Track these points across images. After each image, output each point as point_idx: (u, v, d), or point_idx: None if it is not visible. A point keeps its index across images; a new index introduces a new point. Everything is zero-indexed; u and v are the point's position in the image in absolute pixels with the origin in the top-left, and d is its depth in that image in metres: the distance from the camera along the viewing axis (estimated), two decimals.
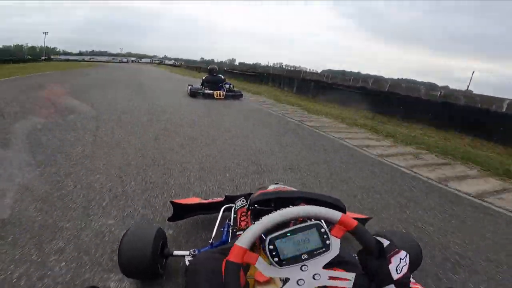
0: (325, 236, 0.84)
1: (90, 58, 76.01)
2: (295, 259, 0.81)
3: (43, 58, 50.04)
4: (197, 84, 9.74)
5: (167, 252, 1.42)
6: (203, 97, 8.72)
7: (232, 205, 1.65)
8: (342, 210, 1.16)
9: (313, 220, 0.86)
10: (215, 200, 1.92)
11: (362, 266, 0.91)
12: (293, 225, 0.85)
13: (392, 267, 0.86)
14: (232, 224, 1.52)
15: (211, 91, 8.91)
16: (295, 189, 1.59)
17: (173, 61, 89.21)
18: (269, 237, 0.81)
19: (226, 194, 1.89)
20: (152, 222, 1.84)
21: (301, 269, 0.82)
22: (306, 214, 0.83)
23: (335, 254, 0.84)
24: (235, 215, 1.53)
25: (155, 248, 1.28)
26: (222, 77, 9.77)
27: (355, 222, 0.84)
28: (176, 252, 1.44)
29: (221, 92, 8.93)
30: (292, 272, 0.81)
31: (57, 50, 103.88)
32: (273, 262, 0.79)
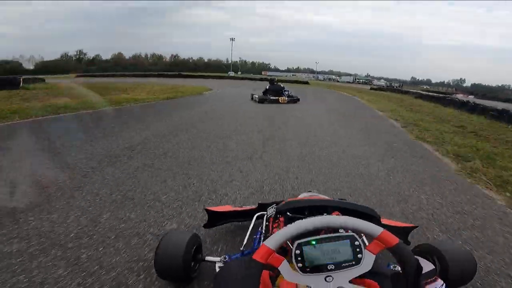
0: (358, 250, 0.80)
1: (292, 75, 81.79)
2: (319, 268, 0.78)
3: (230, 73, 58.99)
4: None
5: (200, 257, 1.44)
6: (268, 102, 10.22)
7: (265, 212, 1.60)
8: (377, 220, 1.20)
9: (349, 231, 0.84)
10: (248, 207, 1.89)
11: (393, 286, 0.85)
12: (325, 234, 0.84)
13: None
14: (264, 231, 1.48)
15: (276, 97, 10.50)
16: (328, 198, 1.58)
17: (383, 81, 71.97)
18: (297, 241, 0.81)
19: (260, 202, 1.82)
20: (188, 229, 1.88)
21: (325, 279, 0.78)
22: (343, 224, 0.80)
23: (366, 270, 0.80)
24: (267, 223, 1.48)
25: (188, 252, 1.31)
26: (282, 85, 12.09)
27: (396, 240, 0.77)
28: (208, 258, 1.46)
29: (284, 97, 10.58)
30: (315, 281, 0.78)
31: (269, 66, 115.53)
32: (296, 267, 0.78)
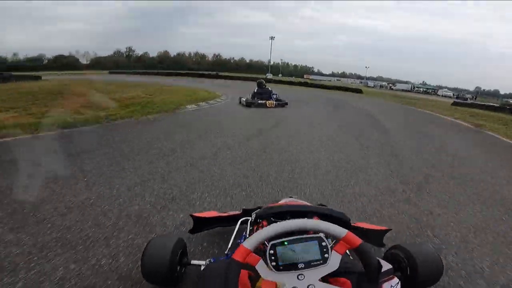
0: (325, 250, 0.90)
1: (336, 79, 76.76)
2: (291, 266, 0.88)
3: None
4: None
5: (185, 261, 1.48)
6: (255, 106, 9.63)
7: (249, 218, 1.66)
8: (347, 223, 1.33)
9: (318, 233, 0.93)
10: (232, 213, 1.96)
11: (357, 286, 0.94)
12: (298, 235, 0.92)
13: None
14: (248, 236, 1.50)
15: (263, 101, 9.96)
16: (307, 203, 1.70)
17: (448, 91, 56.83)
18: (271, 242, 0.91)
19: (244, 207, 1.92)
20: (173, 233, 1.91)
21: (297, 277, 0.87)
22: (312, 227, 0.89)
23: (334, 269, 0.88)
24: (251, 228, 1.52)
25: (173, 256, 1.34)
26: (270, 88, 11.23)
27: (359, 241, 0.87)
28: (194, 261, 1.49)
29: (271, 101, 10.02)
30: (288, 278, 0.87)
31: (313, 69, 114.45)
32: (270, 266, 0.88)
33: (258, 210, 1.45)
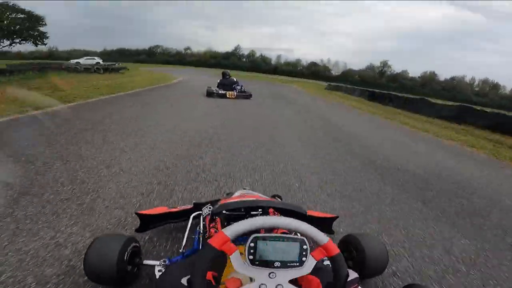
0: (304, 253, 0.90)
1: None
2: (267, 263, 0.87)
3: None
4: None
5: (137, 261, 1.44)
6: (217, 96, 10.01)
7: (200, 212, 1.69)
8: (303, 215, 1.44)
9: (299, 234, 0.94)
10: (183, 207, 1.92)
11: None
12: (281, 233, 0.99)
13: None
14: (202, 231, 1.54)
15: (224, 91, 10.25)
16: (261, 195, 1.79)
17: None
18: (254, 235, 0.88)
19: (194, 201, 1.89)
20: (122, 233, 1.84)
21: (269, 275, 0.87)
22: (296, 228, 0.90)
23: (306, 273, 0.90)
24: (204, 222, 1.55)
25: (121, 257, 1.30)
26: (235, 79, 11.33)
27: (337, 250, 0.90)
28: (146, 262, 1.46)
29: (232, 92, 10.31)
30: (259, 274, 0.87)
31: None
32: (247, 258, 0.86)
33: (214, 206, 1.45)
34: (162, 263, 1.37)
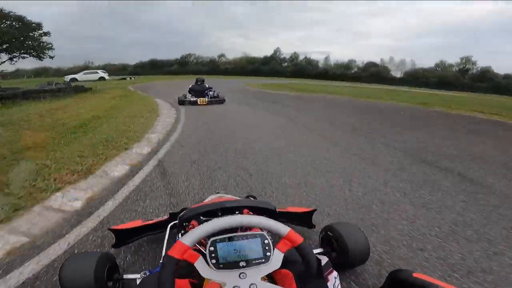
0: (267, 248, 0.90)
1: None
2: (232, 265, 0.87)
3: None
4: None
5: (117, 277, 1.40)
6: (188, 104, 9.80)
7: (177, 221, 1.63)
8: (274, 211, 1.39)
9: (259, 230, 0.95)
10: (159, 219, 1.89)
11: (301, 286, 0.96)
12: (240, 232, 0.94)
13: (330, 284, 0.99)
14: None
15: (195, 98, 10.01)
16: (235, 197, 1.72)
17: None
18: (212, 239, 0.89)
19: (170, 211, 1.89)
20: (97, 250, 1.77)
21: (239, 276, 0.85)
22: (254, 223, 0.88)
23: (276, 268, 0.89)
24: (182, 231, 1.49)
25: (98, 273, 1.26)
26: (207, 85, 10.91)
27: (301, 239, 0.89)
28: (126, 276, 1.43)
29: (204, 99, 10.05)
30: (229, 277, 0.85)
31: None
32: (210, 263, 0.86)
33: (181, 214, 1.42)
34: (143, 276, 1.36)
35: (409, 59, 70.30)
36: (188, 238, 0.82)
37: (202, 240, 1.00)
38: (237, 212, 1.35)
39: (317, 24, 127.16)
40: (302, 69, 62.73)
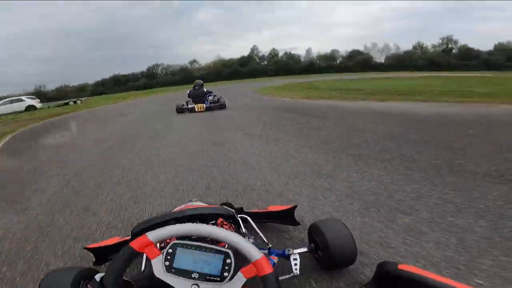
0: (227, 268, 0.84)
1: None
2: (184, 273, 0.84)
3: None
4: None
5: None
6: (188, 112, 9.16)
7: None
8: (231, 216, 1.38)
9: (226, 247, 0.88)
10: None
11: None
12: (207, 244, 0.89)
13: None
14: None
15: (193, 105, 9.34)
16: (204, 205, 1.65)
17: None
18: (174, 241, 0.87)
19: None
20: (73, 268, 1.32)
21: (191, 287, 0.83)
22: (225, 239, 0.82)
23: None
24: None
25: None
26: (205, 89, 10.08)
27: (270, 270, 0.79)
28: None
29: (201, 105, 9.26)
30: (181, 284, 0.83)
31: None
32: (163, 264, 0.84)
33: (135, 225, 1.36)
34: None
35: (392, 43, 66.93)
36: (155, 235, 0.83)
37: (168, 240, 0.97)
38: (212, 222, 1.35)
39: (287, 22, 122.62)
40: (284, 66, 57.45)
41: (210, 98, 9.57)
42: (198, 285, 0.81)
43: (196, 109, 8.94)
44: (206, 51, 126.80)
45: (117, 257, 0.81)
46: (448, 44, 60.08)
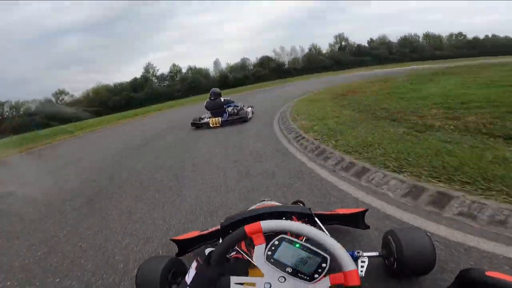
0: (319, 271, 0.87)
1: None
2: (280, 265, 0.89)
3: None
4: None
5: (179, 281, 1.47)
6: (207, 127, 7.65)
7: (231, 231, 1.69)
8: (308, 215, 1.39)
9: (325, 253, 0.90)
10: (213, 229, 1.96)
11: None
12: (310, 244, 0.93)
13: None
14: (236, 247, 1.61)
15: (209, 119, 7.65)
16: (278, 204, 1.70)
17: None
18: (282, 235, 0.93)
19: (222, 222, 1.81)
20: (166, 256, 1.70)
21: (278, 279, 0.87)
22: (329, 247, 0.84)
23: None
24: None
25: (163, 278, 1.35)
26: (223, 99, 7.96)
27: (357, 283, 0.80)
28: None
29: (216, 120, 7.48)
30: (270, 273, 0.87)
31: None
32: (265, 252, 0.90)
33: (222, 221, 1.43)
34: None
35: (298, 46, 65.68)
36: (267, 225, 0.88)
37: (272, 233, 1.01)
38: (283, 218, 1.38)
39: (176, 42, 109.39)
40: (196, 84, 47.33)
41: (230, 109, 7.74)
42: (285, 278, 0.86)
43: (210, 125, 7.36)
44: (83, 82, 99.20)
45: (229, 236, 0.88)
46: (341, 42, 64.61)
